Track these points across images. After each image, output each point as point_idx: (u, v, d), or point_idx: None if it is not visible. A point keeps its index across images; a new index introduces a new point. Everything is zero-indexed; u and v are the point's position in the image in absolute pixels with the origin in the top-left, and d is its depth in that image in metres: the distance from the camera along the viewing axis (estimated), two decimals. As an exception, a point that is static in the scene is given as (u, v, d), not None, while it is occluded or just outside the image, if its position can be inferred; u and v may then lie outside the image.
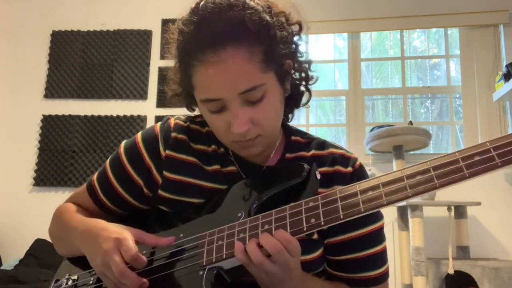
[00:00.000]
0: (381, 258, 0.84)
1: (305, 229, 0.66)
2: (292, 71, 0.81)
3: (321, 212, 0.66)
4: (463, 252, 2.48)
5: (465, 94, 2.94)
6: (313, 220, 0.66)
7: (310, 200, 0.69)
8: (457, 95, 3.10)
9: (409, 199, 0.63)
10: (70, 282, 0.81)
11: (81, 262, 0.82)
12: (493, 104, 2.84)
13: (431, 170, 0.62)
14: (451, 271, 2.25)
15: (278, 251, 0.64)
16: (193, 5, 0.73)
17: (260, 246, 0.66)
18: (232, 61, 0.69)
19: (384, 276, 0.85)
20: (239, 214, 0.74)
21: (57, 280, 0.84)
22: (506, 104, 2.87)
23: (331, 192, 0.68)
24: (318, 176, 0.76)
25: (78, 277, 0.82)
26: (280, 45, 0.75)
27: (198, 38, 0.70)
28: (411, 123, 2.72)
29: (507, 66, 2.60)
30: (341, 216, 0.65)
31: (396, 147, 2.60)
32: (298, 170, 0.76)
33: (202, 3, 0.72)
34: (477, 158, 0.59)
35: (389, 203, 0.63)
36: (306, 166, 0.76)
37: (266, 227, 0.68)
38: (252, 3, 0.72)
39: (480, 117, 2.85)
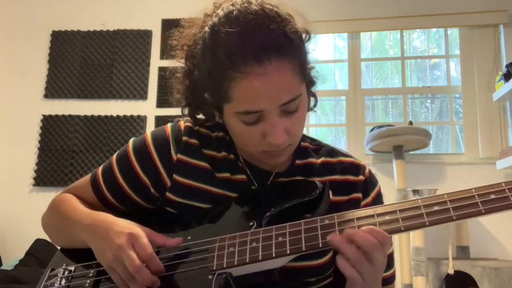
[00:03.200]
0: (390, 261, 0.88)
1: (320, 245, 0.67)
2: None
3: (337, 231, 0.67)
4: (463, 252, 2.48)
5: (465, 94, 2.94)
6: (328, 238, 0.67)
7: (325, 218, 0.70)
8: (457, 95, 3.10)
9: (426, 227, 0.64)
10: (66, 273, 0.81)
11: (78, 253, 0.82)
12: (493, 104, 2.84)
13: (448, 202, 0.64)
14: (451, 271, 2.25)
15: (375, 248, 0.63)
16: (222, 14, 0.72)
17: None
18: (277, 73, 0.69)
19: (393, 277, 0.89)
20: (251, 223, 0.74)
21: (53, 270, 0.84)
22: (506, 104, 2.87)
23: (347, 212, 0.70)
24: (331, 195, 0.78)
25: (75, 269, 0.81)
26: (308, 55, 0.77)
27: (241, 50, 0.68)
28: (411, 123, 2.72)
29: (507, 66, 2.60)
30: None
31: (396, 147, 2.60)
32: (311, 187, 0.77)
33: (235, 12, 0.71)
34: (492, 196, 0.63)
35: (407, 229, 0.65)
36: (319, 184, 0.77)
37: (280, 239, 0.69)
38: (284, 14, 0.72)
39: (480, 117, 2.85)
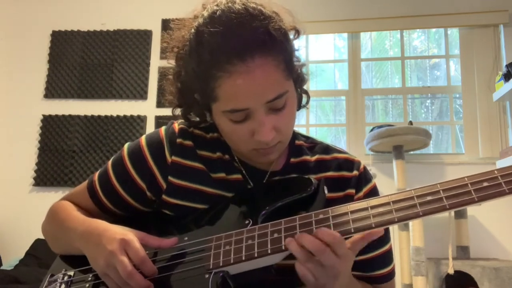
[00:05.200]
0: (389, 256, 0.88)
1: None
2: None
3: (331, 224, 0.67)
4: (463, 252, 2.48)
5: (465, 94, 2.94)
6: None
7: (319, 213, 0.70)
8: (457, 95, 3.10)
9: (419, 218, 0.65)
10: (66, 278, 0.81)
11: (77, 259, 0.82)
12: (493, 104, 2.84)
13: (441, 192, 0.64)
14: (451, 271, 2.25)
15: (321, 251, 0.64)
16: (207, 14, 0.73)
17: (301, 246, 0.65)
18: (261, 70, 0.69)
19: (393, 273, 0.90)
20: (247, 222, 0.75)
21: (52, 275, 0.84)
22: (506, 104, 2.87)
23: (341, 206, 0.69)
24: (326, 191, 0.78)
25: (74, 274, 0.82)
26: (295, 52, 0.77)
27: (224, 49, 0.69)
28: (411, 123, 2.72)
29: (507, 66, 2.60)
30: (352, 230, 0.66)
31: (396, 147, 2.60)
32: (306, 184, 0.77)
33: (219, 12, 0.71)
34: (485, 184, 0.63)
35: (400, 220, 0.65)
36: (314, 180, 0.77)
37: (276, 235, 0.69)
38: (267, 12, 0.73)
39: (480, 117, 2.85)
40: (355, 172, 0.87)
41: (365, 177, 0.88)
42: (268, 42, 0.70)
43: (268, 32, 0.70)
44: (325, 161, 0.88)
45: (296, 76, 0.79)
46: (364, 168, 0.89)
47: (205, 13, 0.73)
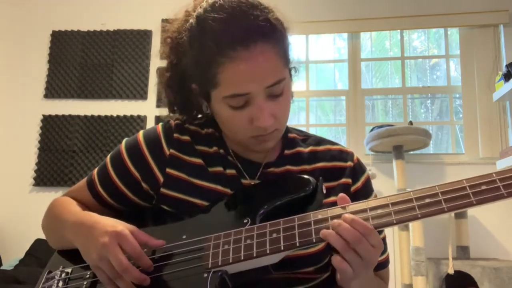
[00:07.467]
0: (384, 244, 0.89)
1: (314, 240, 0.67)
2: None
3: (330, 225, 0.67)
4: (463, 252, 2.49)
5: (465, 94, 2.94)
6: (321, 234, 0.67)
7: (318, 213, 0.70)
8: (457, 95, 3.10)
9: (418, 220, 0.65)
10: (63, 275, 0.81)
11: (75, 255, 0.82)
12: (493, 104, 2.84)
13: (439, 194, 0.64)
14: (451, 271, 2.25)
15: (358, 240, 0.64)
16: (207, 4, 0.75)
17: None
18: (262, 56, 0.72)
19: (387, 261, 0.91)
20: (245, 221, 0.75)
21: (50, 272, 0.84)
22: (506, 104, 2.87)
23: (340, 206, 0.70)
24: (324, 190, 0.78)
25: (72, 270, 0.81)
26: (290, 44, 0.80)
27: (228, 35, 0.72)
28: (411, 123, 2.72)
29: (507, 66, 2.60)
30: None
31: (396, 147, 2.60)
32: (305, 183, 0.77)
33: (220, 2, 0.74)
34: (484, 187, 0.63)
35: (399, 222, 0.65)
36: (312, 180, 0.77)
37: (274, 235, 0.69)
38: (265, 4, 0.77)
39: (480, 117, 2.85)
40: (350, 163, 0.89)
41: (360, 167, 0.91)
42: (268, 30, 0.73)
43: (269, 21, 0.74)
44: (318, 152, 0.90)
45: (291, 67, 0.82)
46: (358, 159, 0.92)
47: (205, 4, 0.76)
